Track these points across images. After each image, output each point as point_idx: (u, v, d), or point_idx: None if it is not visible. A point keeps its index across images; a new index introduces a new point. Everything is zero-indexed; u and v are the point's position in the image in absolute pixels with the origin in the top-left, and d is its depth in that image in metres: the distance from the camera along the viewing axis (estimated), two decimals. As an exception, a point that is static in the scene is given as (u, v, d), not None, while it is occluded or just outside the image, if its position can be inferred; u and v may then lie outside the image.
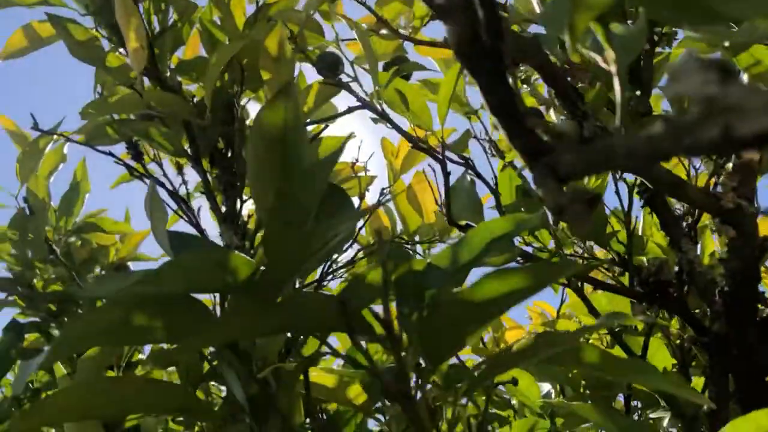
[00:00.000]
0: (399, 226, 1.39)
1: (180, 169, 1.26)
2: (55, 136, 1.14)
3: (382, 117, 0.85)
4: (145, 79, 1.09)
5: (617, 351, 1.09)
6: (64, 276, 1.19)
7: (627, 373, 0.48)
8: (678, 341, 1.17)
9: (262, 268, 0.46)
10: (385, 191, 1.25)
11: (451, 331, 0.39)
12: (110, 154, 1.07)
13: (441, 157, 0.79)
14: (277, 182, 0.47)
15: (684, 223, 0.93)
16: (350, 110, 0.84)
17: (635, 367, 0.48)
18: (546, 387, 1.22)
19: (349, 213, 0.49)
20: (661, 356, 1.09)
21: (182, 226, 1.25)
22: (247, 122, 1.17)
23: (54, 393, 0.46)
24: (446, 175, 0.72)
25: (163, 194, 1.23)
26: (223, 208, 1.12)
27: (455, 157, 0.94)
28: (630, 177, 0.96)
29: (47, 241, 1.16)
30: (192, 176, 1.28)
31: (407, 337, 0.41)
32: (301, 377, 0.49)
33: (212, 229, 1.24)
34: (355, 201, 0.77)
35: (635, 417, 1.17)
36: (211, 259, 0.42)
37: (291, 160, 0.46)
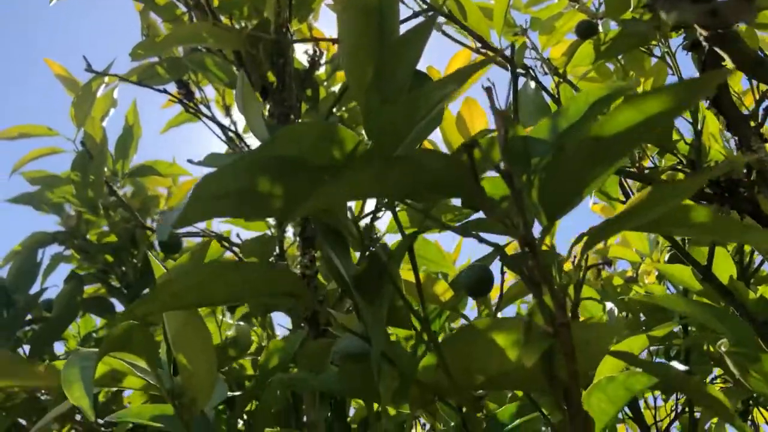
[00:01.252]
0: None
1: (227, 110, 1.27)
2: (105, 80, 1.15)
3: (450, 19, 0.84)
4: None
5: (678, 268, 1.08)
6: (126, 217, 1.20)
7: (737, 234, 0.47)
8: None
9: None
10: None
11: (574, 178, 0.38)
12: (164, 91, 1.08)
13: (510, 57, 0.78)
14: (374, 56, 0.46)
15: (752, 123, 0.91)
16: (415, 15, 0.83)
17: (743, 228, 0.47)
18: (608, 305, 1.23)
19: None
20: (725, 266, 1.08)
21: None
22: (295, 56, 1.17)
23: (169, 280, 0.46)
24: (515, 76, 0.71)
25: (213, 138, 1.24)
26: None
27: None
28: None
29: (107, 182, 1.17)
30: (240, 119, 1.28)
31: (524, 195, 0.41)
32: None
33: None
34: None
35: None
36: (321, 129, 0.42)
37: (387, 31, 0.46)
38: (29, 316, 1.34)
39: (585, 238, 0.43)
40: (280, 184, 0.40)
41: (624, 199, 1.12)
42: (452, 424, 0.69)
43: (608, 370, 0.74)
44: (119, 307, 1.49)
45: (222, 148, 1.33)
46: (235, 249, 1.05)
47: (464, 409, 0.53)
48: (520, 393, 0.79)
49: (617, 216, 0.43)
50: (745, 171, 0.90)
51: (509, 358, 0.46)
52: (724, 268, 1.09)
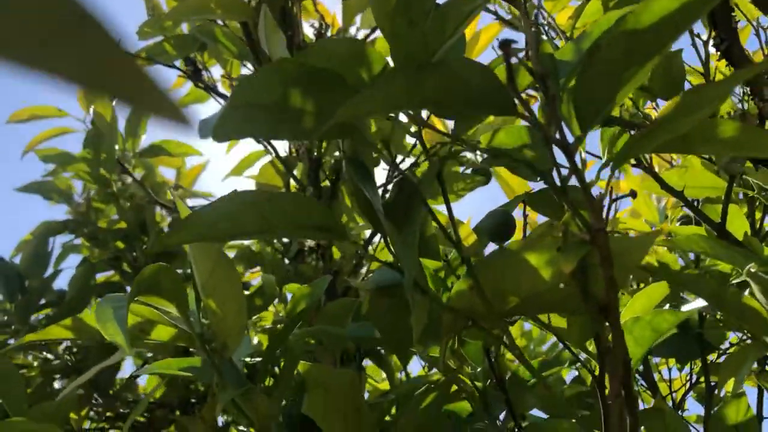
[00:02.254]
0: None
1: (232, 84, 1.27)
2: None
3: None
4: None
5: (690, 229, 1.08)
6: (139, 195, 1.20)
7: (764, 149, 0.47)
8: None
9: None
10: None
11: (608, 79, 0.39)
12: (173, 66, 1.08)
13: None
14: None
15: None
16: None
17: None
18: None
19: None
20: (739, 223, 1.08)
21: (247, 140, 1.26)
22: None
23: (201, 209, 0.46)
24: (534, 30, 0.71)
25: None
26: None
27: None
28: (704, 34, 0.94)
29: (119, 160, 1.17)
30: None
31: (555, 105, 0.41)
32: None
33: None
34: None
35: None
36: (350, 45, 0.42)
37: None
38: (43, 300, 1.35)
39: (616, 153, 0.43)
40: (312, 99, 0.40)
41: (634, 162, 1.13)
42: (479, 369, 0.69)
43: (635, 311, 0.74)
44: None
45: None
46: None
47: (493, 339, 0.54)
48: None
49: (649, 130, 0.43)
50: (757, 122, 0.90)
51: (542, 277, 0.46)
52: (738, 225, 1.09)
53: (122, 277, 1.47)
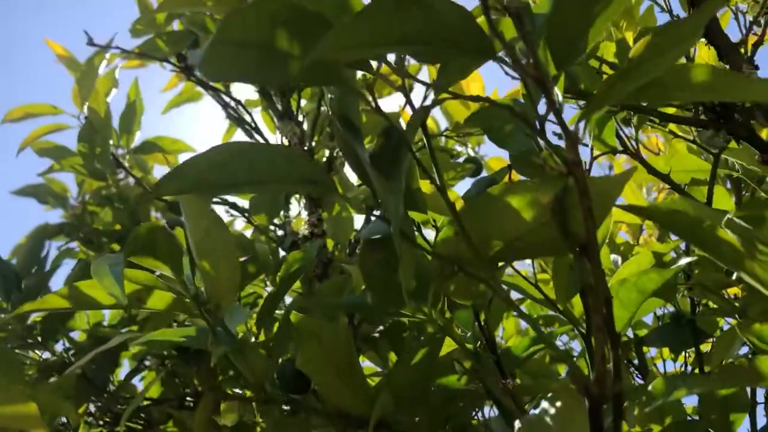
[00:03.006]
0: (443, 124, 1.41)
1: (227, 89, 1.29)
2: (107, 58, 1.17)
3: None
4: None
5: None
6: (129, 194, 1.22)
7: (741, 90, 0.48)
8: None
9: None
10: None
11: (577, 19, 0.40)
12: (166, 60, 1.10)
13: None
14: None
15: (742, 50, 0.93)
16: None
17: (747, 82, 0.48)
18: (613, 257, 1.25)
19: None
20: (724, 202, 1.10)
21: (239, 136, 1.28)
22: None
23: (194, 158, 0.48)
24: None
25: (213, 121, 1.26)
26: (279, 107, 1.15)
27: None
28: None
29: (113, 155, 1.19)
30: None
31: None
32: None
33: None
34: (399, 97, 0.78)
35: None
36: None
37: None
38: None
39: (593, 97, 0.45)
40: (299, 42, 0.42)
41: (622, 149, 1.15)
42: (469, 334, 0.70)
43: (624, 274, 0.76)
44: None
45: (222, 127, 1.35)
46: (246, 215, 1.07)
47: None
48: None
49: (624, 71, 0.45)
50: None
51: (525, 219, 0.48)
52: (723, 204, 1.11)
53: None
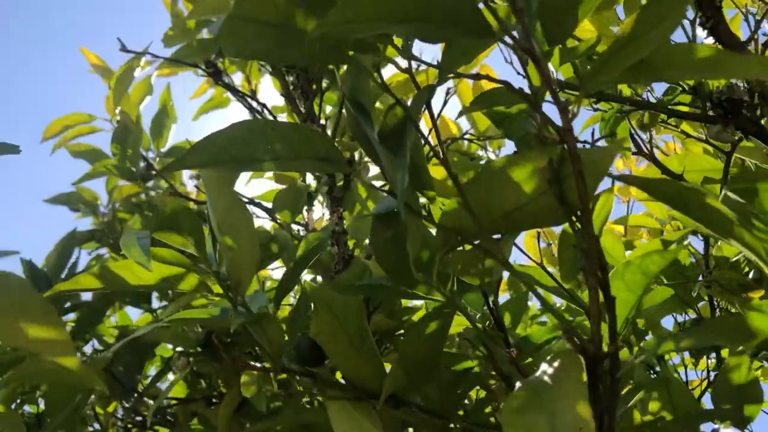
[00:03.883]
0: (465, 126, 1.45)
1: (254, 94, 1.34)
2: (140, 67, 1.23)
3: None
4: None
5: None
6: (163, 188, 1.27)
7: (740, 68, 0.50)
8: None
9: None
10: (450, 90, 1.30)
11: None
12: (195, 65, 1.15)
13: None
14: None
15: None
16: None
17: (743, 60, 0.50)
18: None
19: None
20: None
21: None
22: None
23: (214, 133, 0.52)
24: None
25: (241, 110, 1.31)
26: (302, 110, 1.19)
27: None
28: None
29: (144, 157, 1.24)
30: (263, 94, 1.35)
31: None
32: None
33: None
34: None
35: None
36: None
37: None
38: (69, 304, 1.41)
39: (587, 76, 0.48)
40: (314, 20, 0.46)
41: (636, 150, 1.17)
42: (479, 315, 0.73)
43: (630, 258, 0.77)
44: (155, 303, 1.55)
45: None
46: (267, 210, 1.11)
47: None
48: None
49: (616, 47, 0.48)
50: (747, 95, 0.94)
51: (524, 190, 0.51)
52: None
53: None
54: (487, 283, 0.68)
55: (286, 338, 0.66)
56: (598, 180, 0.49)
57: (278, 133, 0.53)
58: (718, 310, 1.27)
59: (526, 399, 0.46)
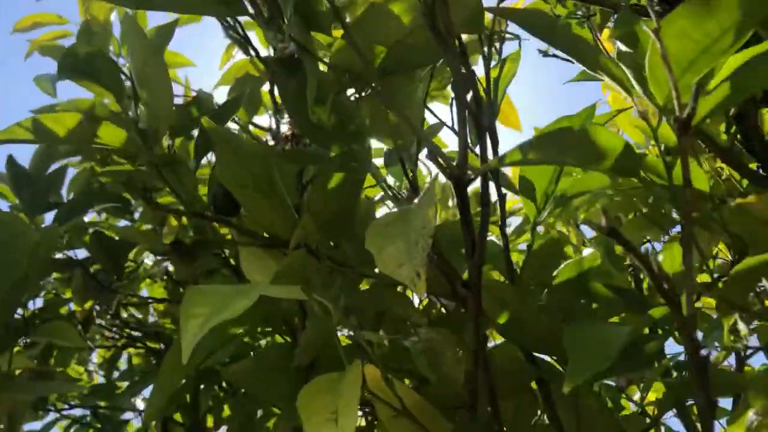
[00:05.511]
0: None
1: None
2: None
3: None
4: None
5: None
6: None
7: None
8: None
9: None
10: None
11: None
12: None
13: None
14: None
15: None
16: None
17: None
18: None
19: None
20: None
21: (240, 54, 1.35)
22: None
23: None
24: None
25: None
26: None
27: None
28: None
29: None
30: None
31: None
32: None
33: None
34: None
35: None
36: None
37: None
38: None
39: None
40: None
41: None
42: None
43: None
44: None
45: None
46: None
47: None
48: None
49: None
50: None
51: (403, 23, 0.54)
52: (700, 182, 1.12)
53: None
54: (401, 145, 0.71)
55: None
56: (466, 9, 0.51)
57: None
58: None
59: (393, 216, 0.50)
